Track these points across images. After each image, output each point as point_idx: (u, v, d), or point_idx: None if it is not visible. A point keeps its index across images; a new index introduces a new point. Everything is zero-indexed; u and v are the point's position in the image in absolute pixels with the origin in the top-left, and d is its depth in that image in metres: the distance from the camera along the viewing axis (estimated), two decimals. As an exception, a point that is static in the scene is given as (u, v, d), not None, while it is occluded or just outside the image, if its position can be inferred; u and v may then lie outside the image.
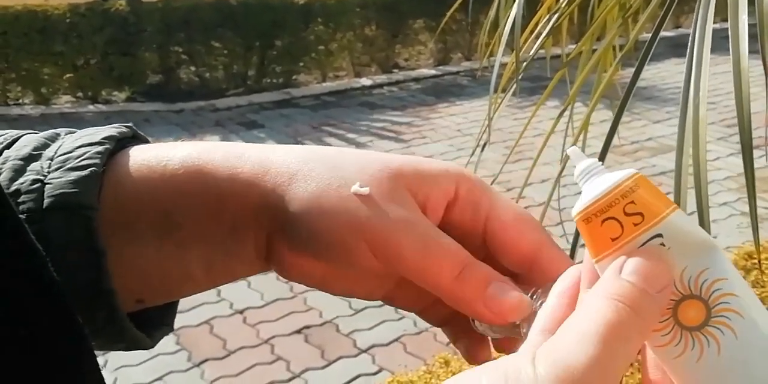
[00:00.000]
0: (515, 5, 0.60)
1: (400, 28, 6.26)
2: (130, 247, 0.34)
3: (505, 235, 0.34)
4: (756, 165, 0.45)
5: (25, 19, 4.96)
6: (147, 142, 0.38)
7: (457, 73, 6.10)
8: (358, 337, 2.41)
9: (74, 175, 0.33)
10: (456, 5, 1.22)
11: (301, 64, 5.85)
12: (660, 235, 0.26)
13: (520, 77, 0.69)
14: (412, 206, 0.33)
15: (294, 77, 5.84)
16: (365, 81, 5.84)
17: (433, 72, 6.10)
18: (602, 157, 0.55)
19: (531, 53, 0.61)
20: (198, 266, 0.35)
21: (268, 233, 0.34)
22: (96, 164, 0.33)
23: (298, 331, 2.44)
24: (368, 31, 6.13)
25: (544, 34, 0.60)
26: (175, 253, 0.34)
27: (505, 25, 0.66)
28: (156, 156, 0.34)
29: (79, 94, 5.39)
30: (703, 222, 0.41)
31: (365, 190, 0.32)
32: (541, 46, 0.68)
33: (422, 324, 2.43)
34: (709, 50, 0.42)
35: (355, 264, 0.33)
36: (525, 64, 0.63)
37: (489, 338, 0.35)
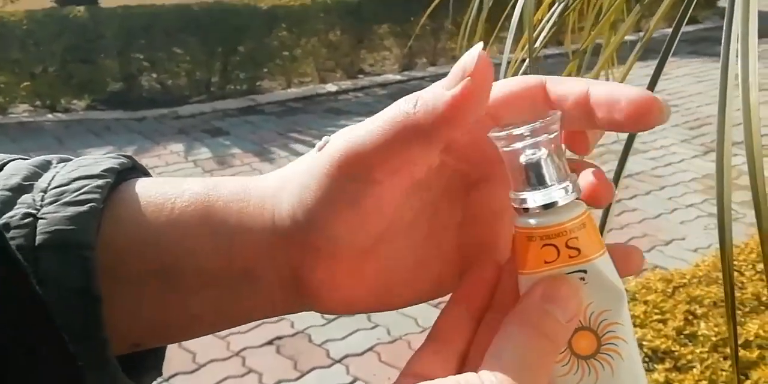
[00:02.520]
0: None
1: (364, 33, 6.23)
2: (129, 290, 0.31)
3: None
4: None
5: (-20, 26, 4.83)
6: (146, 172, 0.35)
7: (423, 78, 6.10)
8: (331, 347, 2.36)
9: (71, 210, 0.30)
10: (429, 11, 1.18)
11: (265, 70, 5.79)
12: (584, 271, 0.29)
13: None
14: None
15: (258, 83, 5.78)
16: (330, 87, 5.80)
17: (398, 77, 6.09)
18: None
19: (537, 47, 0.57)
20: (204, 311, 0.32)
21: (291, 264, 0.31)
22: (96, 199, 0.30)
23: (270, 343, 2.39)
24: (332, 37, 6.09)
25: (547, 28, 0.56)
26: (179, 299, 0.31)
27: (501, 21, 0.62)
28: (163, 193, 0.32)
29: (38, 102, 5.26)
30: (761, 215, 0.37)
31: (324, 141, 0.30)
32: (544, 44, 0.64)
33: (396, 332, 2.39)
34: (756, 33, 0.38)
35: (364, 211, 0.30)
36: (526, 65, 0.59)
37: None
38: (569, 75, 0.63)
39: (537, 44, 0.56)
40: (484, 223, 0.33)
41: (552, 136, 0.29)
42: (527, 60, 0.55)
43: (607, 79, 0.80)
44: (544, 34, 0.56)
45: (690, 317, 1.55)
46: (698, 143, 4.28)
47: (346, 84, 5.88)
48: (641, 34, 0.59)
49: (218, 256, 0.31)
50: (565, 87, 0.30)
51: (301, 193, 0.30)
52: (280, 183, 0.31)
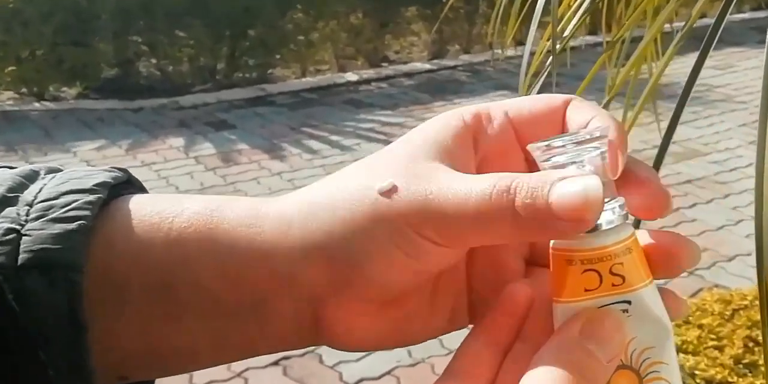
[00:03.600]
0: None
1: (390, 16, 6.24)
2: (120, 318, 0.31)
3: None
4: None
5: (-38, 4, 4.91)
6: (142, 187, 0.36)
7: (455, 67, 6.09)
8: (344, 370, 2.37)
9: (58, 227, 0.30)
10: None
11: (278, 56, 5.81)
12: (628, 303, 0.29)
13: (547, 70, 0.66)
14: (439, 168, 0.31)
15: (269, 71, 5.80)
16: (351, 76, 5.82)
17: (427, 66, 6.09)
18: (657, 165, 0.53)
19: (566, 36, 0.57)
20: (204, 344, 0.33)
21: (312, 297, 0.32)
22: (86, 216, 0.31)
23: (276, 363, 2.40)
24: (354, 20, 6.11)
25: (579, 14, 0.57)
26: (174, 329, 0.32)
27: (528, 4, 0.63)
28: (160, 212, 0.32)
29: (24, 89, 5.33)
30: None
31: (389, 184, 0.31)
32: (573, 33, 0.64)
33: (417, 354, 2.40)
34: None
35: (423, 267, 0.31)
36: (558, 52, 0.59)
37: None
38: (602, 66, 0.63)
39: (568, 31, 0.56)
40: (491, 251, 0.34)
41: (599, 151, 0.30)
42: (553, 53, 0.56)
43: (650, 73, 0.81)
44: (575, 21, 0.57)
45: (750, 344, 1.54)
46: None
47: (369, 73, 5.89)
48: (700, 20, 0.59)
49: (225, 284, 0.31)
50: (577, 113, 0.33)
51: (348, 228, 0.30)
52: (307, 208, 0.32)
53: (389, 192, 0.30)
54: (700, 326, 1.64)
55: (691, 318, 1.67)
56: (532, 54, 0.61)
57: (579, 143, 0.29)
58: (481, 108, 0.34)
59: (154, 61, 5.73)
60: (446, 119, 0.33)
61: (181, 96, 5.30)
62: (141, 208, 0.33)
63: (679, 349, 1.54)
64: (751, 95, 5.05)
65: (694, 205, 3.50)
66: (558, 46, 0.62)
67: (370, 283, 0.31)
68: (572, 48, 1.39)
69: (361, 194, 0.31)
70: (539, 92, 0.68)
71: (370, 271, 0.30)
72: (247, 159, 4.21)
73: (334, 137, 4.55)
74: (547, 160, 0.30)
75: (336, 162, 4.08)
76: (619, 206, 0.30)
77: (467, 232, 0.29)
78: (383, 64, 6.15)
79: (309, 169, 4.01)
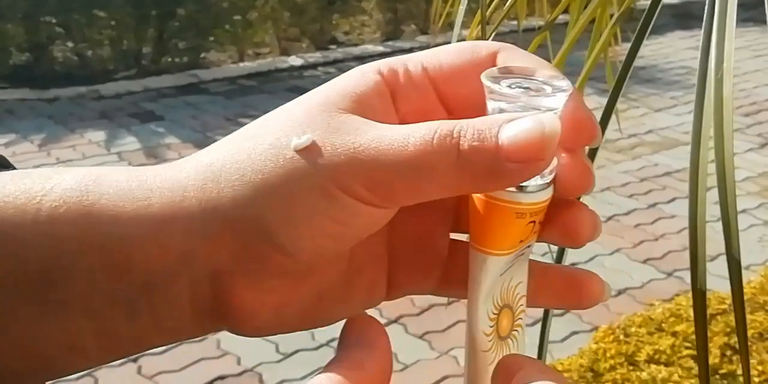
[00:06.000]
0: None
1: (337, -8, 6.24)
2: None
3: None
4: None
5: None
6: (5, 163, 0.35)
7: (411, 49, 6.11)
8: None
9: None
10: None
11: (212, 38, 5.79)
12: (530, 247, 0.34)
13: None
14: (357, 120, 0.31)
15: (202, 56, 5.77)
16: (294, 60, 5.81)
17: (380, 49, 6.11)
18: (593, 154, 0.55)
19: (497, 22, 0.58)
20: (91, 339, 0.32)
21: (212, 275, 0.31)
22: None
23: (210, 384, 2.40)
24: (297, -3, 6.10)
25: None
26: (57, 326, 0.31)
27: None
28: (26, 190, 0.31)
29: None
30: (730, 232, 0.40)
31: (306, 140, 0.30)
32: (513, 15, 0.65)
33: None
34: (735, 8, 0.41)
35: (349, 232, 0.31)
36: (491, 35, 0.60)
37: None
38: (575, 48, 0.64)
39: (502, 14, 0.57)
40: (416, 216, 0.35)
41: (554, 111, 0.30)
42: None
43: (614, 55, 0.82)
44: (508, 4, 0.58)
45: (728, 352, 1.57)
46: (754, 133, 4.32)
47: (315, 56, 5.89)
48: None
49: (108, 270, 0.31)
50: (514, 62, 0.32)
51: (260, 193, 0.30)
52: (205, 173, 0.31)
53: (307, 148, 0.30)
54: (674, 334, 1.67)
55: (664, 325, 1.70)
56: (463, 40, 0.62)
57: (536, 96, 0.30)
58: (395, 62, 0.33)
59: (70, 44, 5.66)
60: (360, 71, 0.32)
61: (102, 84, 5.25)
62: (3, 188, 0.31)
63: (651, 360, 1.56)
64: (735, 78, 5.12)
65: (673, 199, 3.55)
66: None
67: (284, 255, 0.30)
68: (533, 29, 1.40)
69: (273, 153, 0.30)
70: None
71: (285, 241, 0.30)
72: (176, 154, 4.17)
73: (275, 129, 4.54)
74: (498, 100, 0.31)
75: (278, 157, 4.07)
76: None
77: (406, 184, 0.29)
78: (331, 46, 6.15)
79: (247, 165, 4.00)
